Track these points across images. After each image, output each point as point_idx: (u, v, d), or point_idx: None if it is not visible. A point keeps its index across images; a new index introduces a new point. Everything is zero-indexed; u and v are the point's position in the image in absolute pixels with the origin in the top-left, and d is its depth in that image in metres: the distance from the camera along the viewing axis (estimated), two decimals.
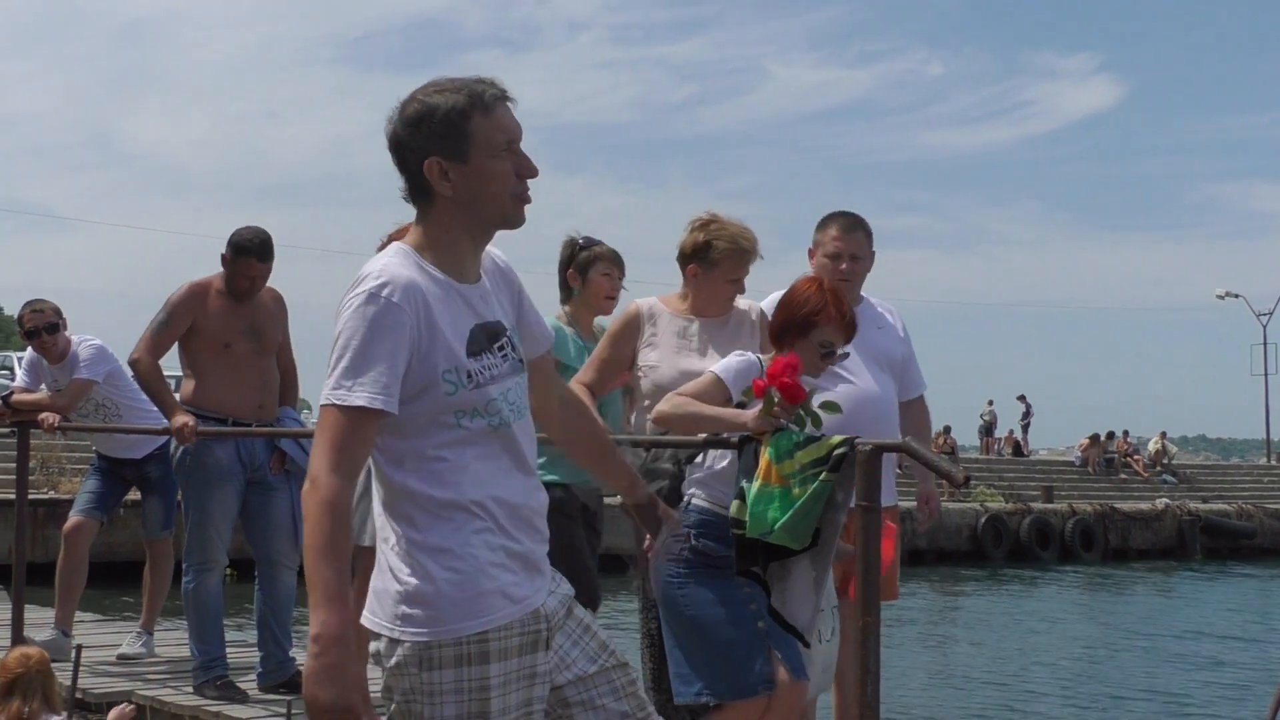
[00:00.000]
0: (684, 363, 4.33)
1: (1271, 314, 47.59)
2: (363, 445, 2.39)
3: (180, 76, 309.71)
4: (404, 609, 2.40)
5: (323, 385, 2.41)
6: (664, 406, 3.84)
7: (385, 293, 2.39)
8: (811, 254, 4.71)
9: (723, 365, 3.87)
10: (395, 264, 2.44)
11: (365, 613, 2.48)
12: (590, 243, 4.92)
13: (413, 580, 2.40)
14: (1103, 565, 27.03)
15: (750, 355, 3.92)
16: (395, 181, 2.54)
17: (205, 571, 5.77)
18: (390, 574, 2.44)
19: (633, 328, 4.47)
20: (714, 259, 4.35)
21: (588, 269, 4.86)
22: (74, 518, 6.79)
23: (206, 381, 5.80)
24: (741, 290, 4.48)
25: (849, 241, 4.63)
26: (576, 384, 4.39)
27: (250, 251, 5.75)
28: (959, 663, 14.44)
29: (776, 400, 3.59)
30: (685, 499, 3.90)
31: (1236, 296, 48.89)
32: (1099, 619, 18.93)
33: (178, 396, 5.82)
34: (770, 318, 4.13)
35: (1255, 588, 23.95)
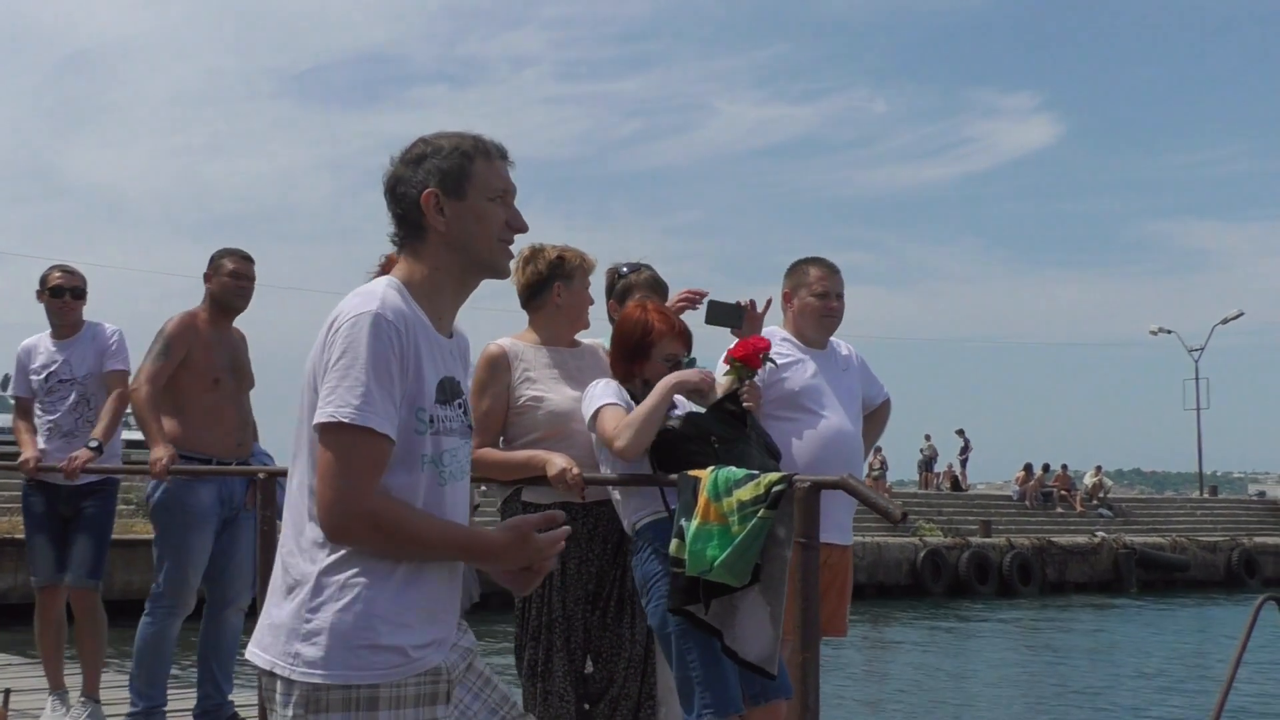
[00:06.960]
0: (572, 391, 4.21)
1: (1203, 349, 48.32)
2: (383, 469, 2.34)
3: (122, 109, 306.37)
4: (298, 647, 2.32)
5: (323, 401, 2.32)
6: (621, 443, 3.88)
7: (391, 317, 2.37)
8: (787, 298, 4.73)
9: (601, 394, 4.00)
10: (393, 295, 2.43)
11: (253, 647, 2.40)
12: (633, 268, 4.62)
13: (313, 618, 2.32)
14: (1041, 598, 27.25)
15: (605, 380, 4.11)
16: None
17: (171, 615, 5.54)
18: (287, 608, 2.36)
19: (500, 368, 4.22)
20: (569, 271, 4.28)
21: (625, 299, 4.52)
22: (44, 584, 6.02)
23: (193, 420, 5.51)
24: (591, 300, 4.38)
25: (834, 282, 4.72)
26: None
27: (226, 253, 5.59)
28: (899, 698, 14.47)
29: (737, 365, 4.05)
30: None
31: (1169, 332, 49.62)
32: (1037, 652, 19.05)
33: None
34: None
35: (1190, 618, 24.24)
